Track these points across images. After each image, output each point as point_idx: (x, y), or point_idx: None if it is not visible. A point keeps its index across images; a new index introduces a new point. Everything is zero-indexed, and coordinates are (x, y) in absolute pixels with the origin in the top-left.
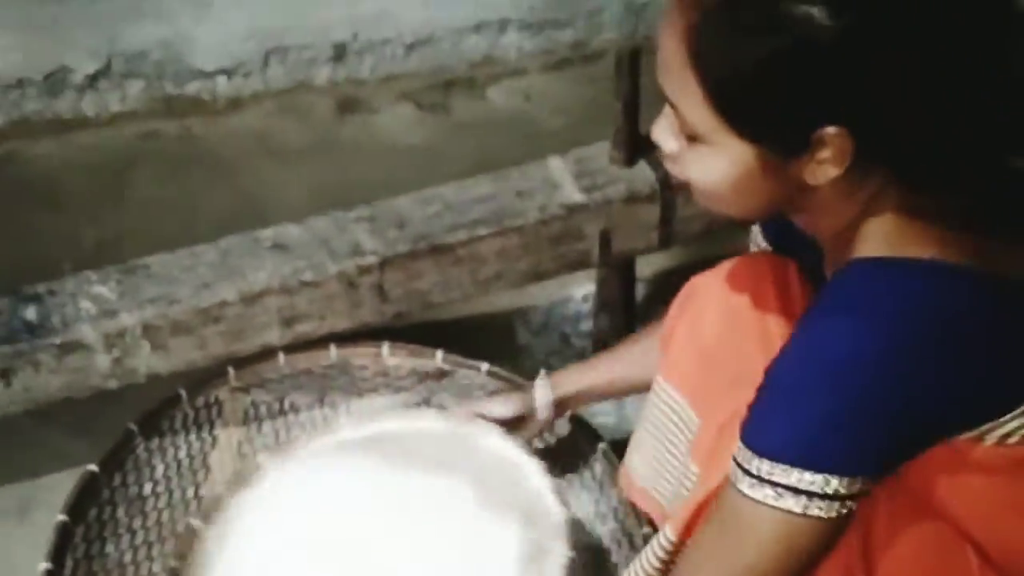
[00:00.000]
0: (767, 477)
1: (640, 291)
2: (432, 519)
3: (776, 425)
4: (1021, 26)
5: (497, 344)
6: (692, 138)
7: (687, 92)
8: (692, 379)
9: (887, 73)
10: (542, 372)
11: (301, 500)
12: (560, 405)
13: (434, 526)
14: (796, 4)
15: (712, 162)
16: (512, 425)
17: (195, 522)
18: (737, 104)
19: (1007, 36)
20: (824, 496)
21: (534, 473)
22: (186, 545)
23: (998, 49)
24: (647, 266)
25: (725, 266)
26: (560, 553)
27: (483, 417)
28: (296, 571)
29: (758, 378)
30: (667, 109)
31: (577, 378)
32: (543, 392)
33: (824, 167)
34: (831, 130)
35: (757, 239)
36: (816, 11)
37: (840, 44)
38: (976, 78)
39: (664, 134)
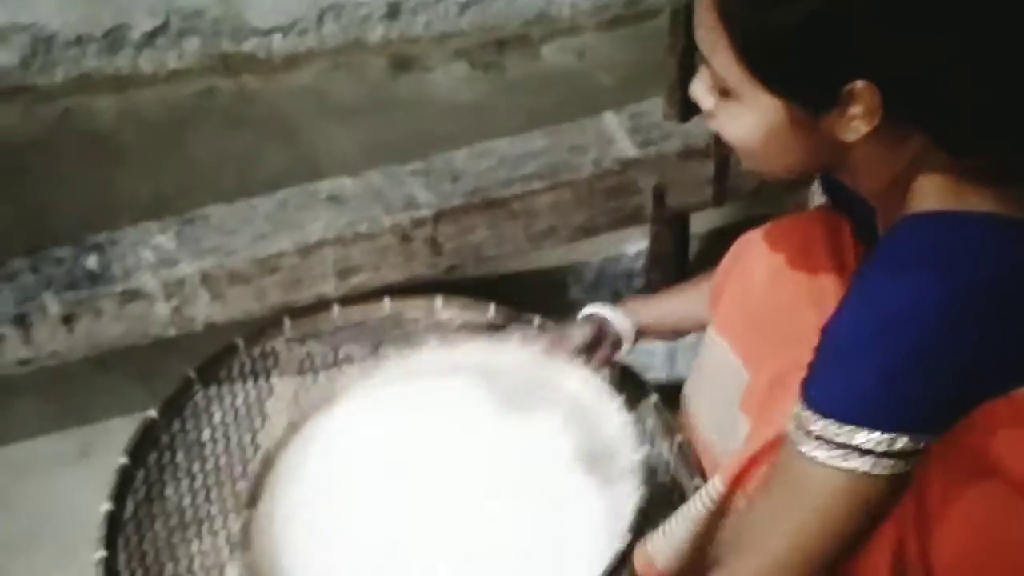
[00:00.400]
0: (833, 438)
1: (693, 248)
2: (503, 457)
3: (838, 384)
4: None
5: (549, 299)
6: (725, 93)
7: (718, 47)
8: (742, 334)
9: (915, 28)
10: (596, 306)
11: (379, 425)
12: (638, 333)
13: (504, 465)
14: None
15: (743, 117)
16: (588, 350)
17: (276, 439)
18: (765, 59)
19: None
20: (891, 455)
21: (615, 413)
22: (267, 462)
23: None
24: (701, 223)
25: (777, 224)
26: (632, 495)
27: (564, 342)
28: (367, 496)
29: (809, 335)
30: (703, 67)
31: (652, 309)
32: (624, 319)
33: (855, 123)
34: (859, 84)
35: (816, 194)
36: None
37: None
38: (1005, 38)
39: (701, 90)
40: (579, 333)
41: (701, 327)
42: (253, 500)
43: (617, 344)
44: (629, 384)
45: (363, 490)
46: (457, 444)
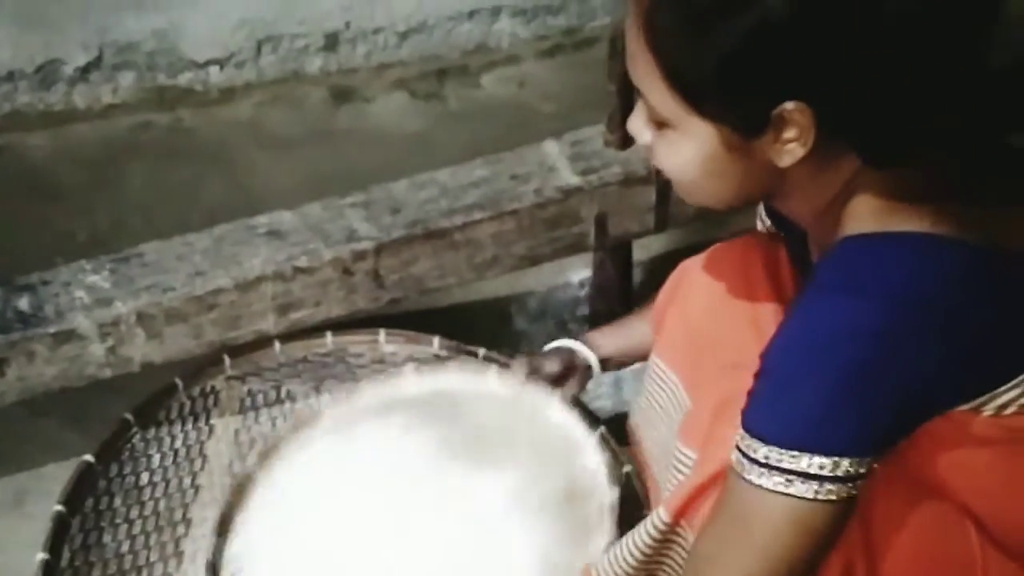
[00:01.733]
0: (776, 464)
1: (637, 275)
2: (474, 495)
3: (779, 410)
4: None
5: (494, 330)
6: (661, 125)
7: (650, 80)
8: (683, 361)
9: (842, 44)
10: (564, 340)
11: (350, 453)
12: (601, 364)
13: (474, 503)
14: None
15: (680, 147)
16: (558, 381)
17: (250, 463)
18: (695, 86)
19: (966, 16)
20: (835, 479)
21: (592, 449)
22: (239, 489)
23: (957, 32)
24: (643, 250)
25: (715, 250)
26: (604, 530)
27: (539, 372)
28: (331, 525)
29: (750, 362)
30: (639, 102)
31: (612, 340)
32: (589, 352)
33: (790, 147)
34: (790, 106)
35: (761, 217)
36: None
37: (791, 18)
38: (934, 52)
39: (638, 126)
40: (550, 364)
41: None
42: (223, 529)
43: (587, 374)
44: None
45: (335, 521)
46: (429, 477)
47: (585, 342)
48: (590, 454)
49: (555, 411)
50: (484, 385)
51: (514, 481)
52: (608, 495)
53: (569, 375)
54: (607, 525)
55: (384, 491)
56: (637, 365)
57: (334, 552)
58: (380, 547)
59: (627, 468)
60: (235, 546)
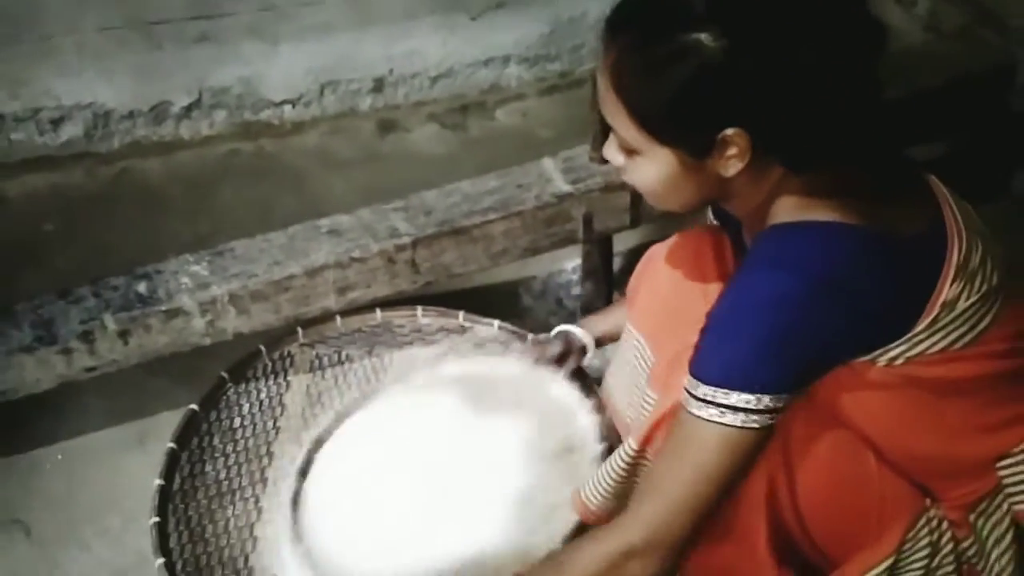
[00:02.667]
0: (711, 399)
1: (617, 263)
2: (493, 452)
3: (717, 358)
4: (872, 42)
5: (506, 306)
6: (630, 152)
7: (619, 115)
8: (652, 327)
9: (765, 79)
10: (564, 326)
11: (402, 421)
12: (596, 343)
13: (498, 448)
14: (688, 33)
15: (646, 168)
16: (561, 360)
17: (321, 431)
18: (654, 120)
19: (861, 44)
20: (757, 411)
21: (585, 414)
22: (312, 451)
23: (853, 63)
24: (622, 242)
25: (675, 240)
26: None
27: (546, 354)
28: (386, 478)
29: (699, 324)
30: (612, 134)
31: (603, 323)
32: (585, 334)
33: (732, 161)
34: (730, 131)
35: (710, 216)
36: (704, 36)
37: (726, 60)
38: (835, 83)
39: (612, 152)
40: (553, 347)
41: None
42: (303, 473)
43: (583, 353)
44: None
45: (386, 471)
46: (462, 435)
47: (582, 326)
48: (583, 417)
49: (557, 385)
50: (503, 368)
51: (524, 438)
52: (597, 448)
53: (569, 354)
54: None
55: (424, 445)
56: None
57: (383, 489)
58: (421, 485)
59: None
60: (310, 484)
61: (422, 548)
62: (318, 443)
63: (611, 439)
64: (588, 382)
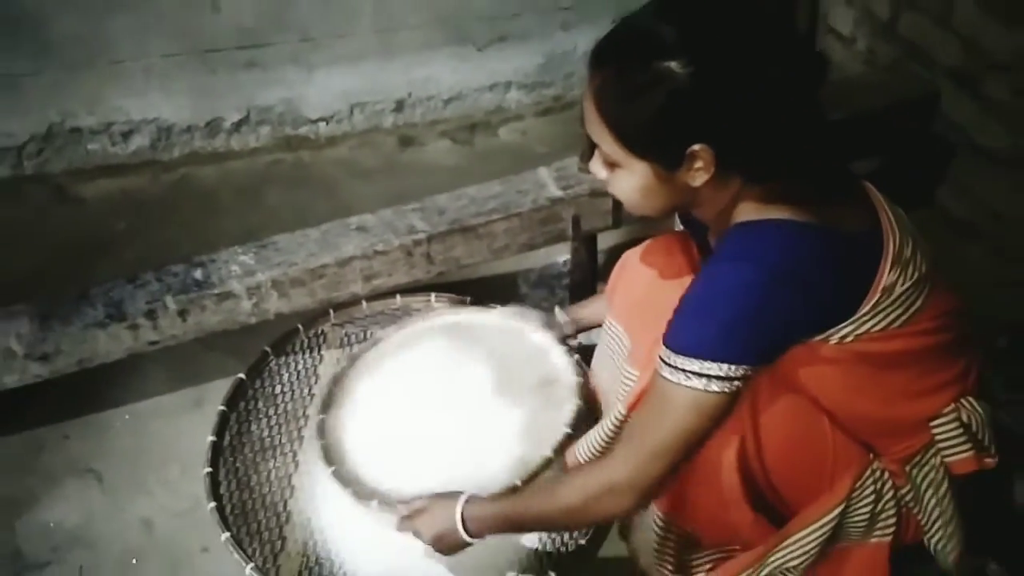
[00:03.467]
0: (680, 366)
1: (601, 258)
2: (487, 379)
3: (687, 332)
4: (816, 72)
5: (506, 294)
6: (612, 165)
7: (601, 133)
8: (628, 318)
9: (726, 102)
10: (557, 309)
11: (403, 360)
12: (578, 328)
13: (488, 383)
14: (660, 62)
15: (625, 179)
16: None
17: (337, 370)
18: (632, 137)
19: (806, 80)
20: (719, 378)
21: (560, 354)
22: (328, 392)
23: (801, 89)
24: (605, 240)
25: (647, 244)
26: (572, 401)
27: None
28: (391, 407)
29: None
30: (596, 150)
31: (585, 311)
32: (560, 317)
33: (699, 173)
34: (697, 147)
35: (677, 223)
36: (673, 64)
37: (692, 85)
38: (787, 105)
39: (596, 167)
40: (533, 316)
41: None
42: (326, 407)
43: (561, 330)
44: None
45: (396, 401)
46: (460, 372)
47: (566, 312)
48: (559, 357)
49: (535, 333)
50: (488, 318)
51: (508, 373)
52: (573, 380)
53: (550, 329)
54: (573, 399)
55: (426, 383)
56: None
57: (396, 423)
58: (426, 415)
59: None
60: (333, 422)
61: (431, 465)
62: (335, 381)
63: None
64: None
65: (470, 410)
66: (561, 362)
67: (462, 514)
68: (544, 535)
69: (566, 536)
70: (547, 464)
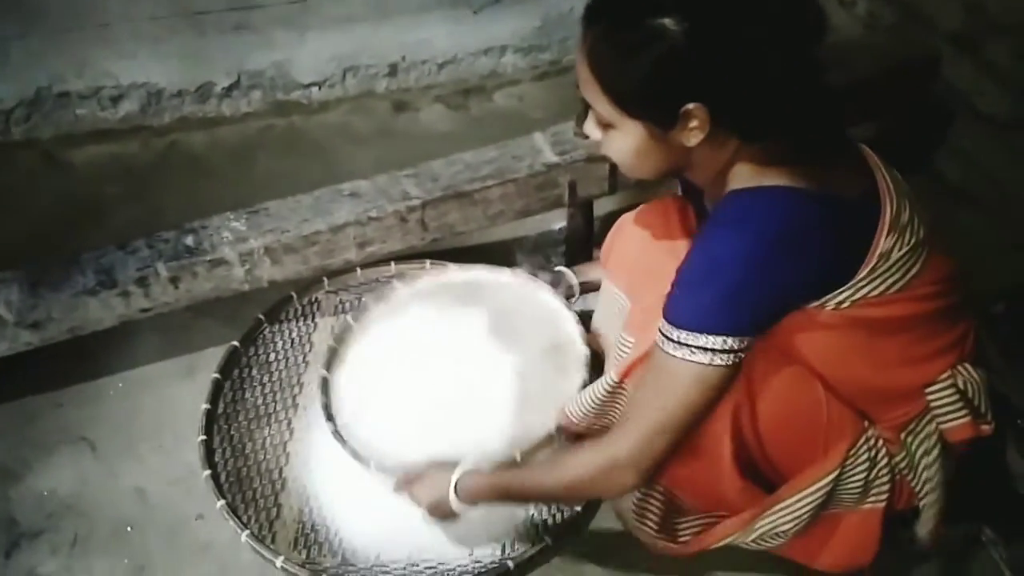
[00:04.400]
0: (683, 341)
1: (597, 224)
2: (494, 342)
3: (688, 306)
4: (814, 28)
5: (501, 261)
6: (606, 126)
7: (594, 94)
8: (626, 280)
9: (721, 59)
10: (567, 269)
11: (409, 319)
12: (582, 285)
13: (494, 345)
14: (653, 19)
15: (619, 140)
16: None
17: (347, 320)
18: (626, 96)
19: (803, 36)
20: (722, 351)
21: (572, 322)
22: (331, 350)
23: (797, 46)
24: (602, 207)
25: (645, 206)
26: (580, 371)
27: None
28: (395, 369)
29: (669, 277)
30: (590, 112)
31: (590, 271)
32: (570, 276)
33: (694, 132)
34: (691, 105)
35: (678, 188)
36: (667, 21)
37: (687, 42)
38: (782, 62)
39: (591, 128)
40: (545, 276)
41: None
42: (328, 366)
43: (569, 290)
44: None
45: (400, 363)
46: (467, 333)
47: (575, 270)
48: (571, 324)
49: (547, 296)
50: (500, 277)
51: (517, 338)
52: (583, 349)
53: (558, 285)
54: (582, 368)
55: (431, 344)
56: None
57: (398, 385)
58: (429, 378)
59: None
60: (335, 380)
61: (432, 430)
62: (339, 339)
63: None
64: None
65: (474, 375)
66: (572, 330)
67: (456, 485)
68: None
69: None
70: (549, 439)
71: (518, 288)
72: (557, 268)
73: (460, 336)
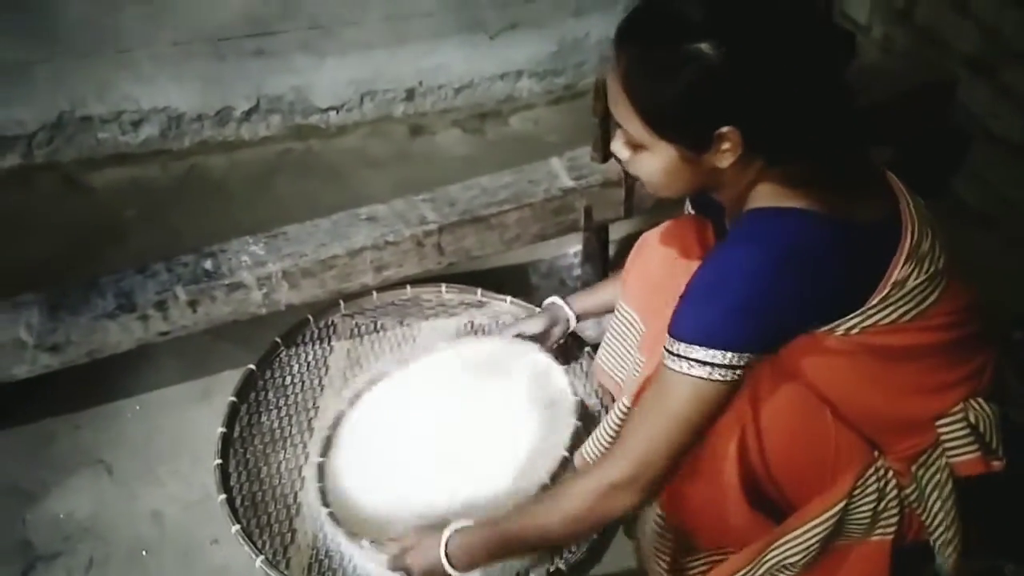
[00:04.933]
0: (683, 354)
1: (612, 248)
2: (492, 404)
3: (691, 320)
4: (845, 51)
5: (517, 284)
6: (636, 147)
7: (627, 115)
8: (642, 301)
9: (759, 84)
10: (554, 298)
11: (403, 393)
12: (579, 316)
13: (493, 406)
14: (690, 44)
15: (650, 161)
16: (541, 337)
17: (341, 406)
18: (658, 118)
19: (836, 59)
20: (722, 366)
21: (559, 375)
22: (335, 424)
23: (830, 70)
24: (617, 231)
25: (664, 227)
26: (570, 423)
27: (521, 333)
28: (392, 440)
29: None
30: (619, 130)
31: (584, 301)
32: (566, 310)
33: (726, 155)
34: (725, 129)
35: (688, 207)
36: (704, 46)
37: (723, 67)
38: (816, 87)
39: (619, 148)
40: (536, 322)
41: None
42: (325, 450)
43: (567, 324)
44: (573, 340)
45: (396, 434)
46: (460, 396)
47: (567, 303)
48: (560, 379)
49: (537, 356)
50: (491, 344)
51: (514, 397)
52: (571, 401)
53: (554, 327)
54: (571, 418)
55: (427, 414)
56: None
57: (396, 454)
58: (425, 446)
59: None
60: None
61: (431, 490)
62: (336, 420)
63: (600, 396)
64: (569, 351)
65: (470, 438)
66: (561, 383)
67: (447, 546)
68: (550, 561)
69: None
70: (543, 490)
71: (509, 351)
72: (549, 300)
73: (454, 406)
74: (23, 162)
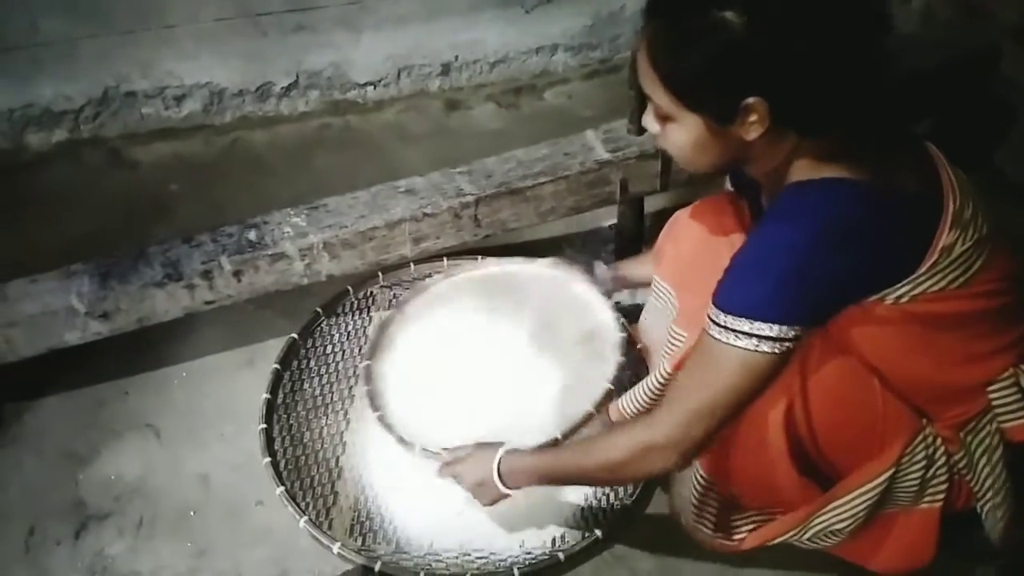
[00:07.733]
0: (730, 326)
1: (647, 221)
2: (531, 331)
3: (737, 292)
4: (877, 25)
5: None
6: (665, 119)
7: (655, 86)
8: (675, 278)
9: (782, 53)
10: (598, 264)
11: (447, 310)
12: (623, 284)
13: (531, 334)
14: (715, 12)
15: (678, 133)
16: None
17: (383, 317)
18: (686, 90)
19: (867, 26)
20: (768, 338)
21: (604, 308)
22: (375, 340)
23: (858, 42)
24: (652, 204)
25: (698, 203)
26: (614, 358)
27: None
28: (435, 357)
29: (721, 274)
30: (648, 104)
31: (629, 270)
32: (607, 277)
33: (754, 126)
34: (751, 99)
35: (727, 184)
36: (728, 14)
37: (747, 35)
38: (843, 57)
39: (649, 120)
40: (582, 266)
41: None
42: (372, 354)
43: (603, 284)
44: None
45: (440, 352)
46: (504, 323)
47: (619, 267)
48: (604, 311)
49: (579, 285)
50: (535, 268)
51: (551, 326)
52: (617, 335)
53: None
54: (617, 354)
55: (470, 334)
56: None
57: (439, 373)
58: (469, 367)
59: (638, 345)
60: (378, 368)
61: (473, 416)
62: (381, 328)
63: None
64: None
65: (513, 362)
66: (605, 316)
67: (499, 465)
68: (589, 493)
69: (611, 496)
70: (588, 418)
71: (553, 278)
72: (592, 262)
73: (498, 327)
74: (71, 136)
